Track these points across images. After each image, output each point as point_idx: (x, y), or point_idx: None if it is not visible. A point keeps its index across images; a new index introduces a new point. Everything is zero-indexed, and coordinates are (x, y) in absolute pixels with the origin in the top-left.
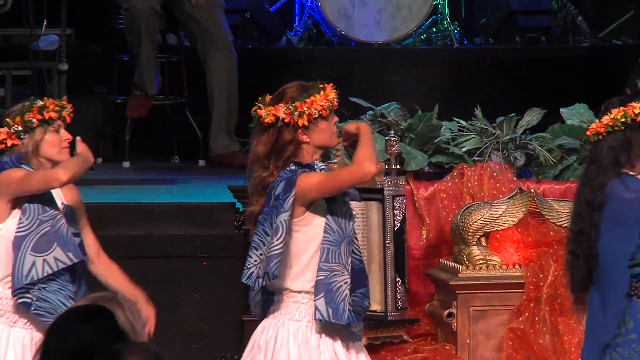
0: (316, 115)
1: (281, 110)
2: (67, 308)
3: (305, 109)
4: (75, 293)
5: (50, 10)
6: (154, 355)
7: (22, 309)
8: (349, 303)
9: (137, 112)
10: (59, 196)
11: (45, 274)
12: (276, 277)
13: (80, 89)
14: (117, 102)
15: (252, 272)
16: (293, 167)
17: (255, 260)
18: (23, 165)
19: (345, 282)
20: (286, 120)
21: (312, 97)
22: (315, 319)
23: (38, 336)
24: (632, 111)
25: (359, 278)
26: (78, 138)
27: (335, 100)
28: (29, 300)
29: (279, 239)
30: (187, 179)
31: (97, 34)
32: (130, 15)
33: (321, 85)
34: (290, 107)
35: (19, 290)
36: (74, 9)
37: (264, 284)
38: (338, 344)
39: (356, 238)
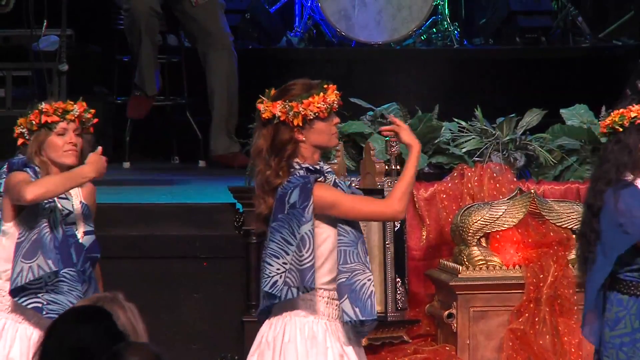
0: (311, 117)
1: (278, 108)
2: (66, 309)
3: (301, 109)
4: (85, 292)
5: (51, 10)
6: (155, 356)
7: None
8: None
9: (137, 112)
10: (78, 195)
11: (27, 281)
12: (313, 289)
13: (80, 90)
14: (117, 102)
15: (277, 281)
16: (302, 172)
17: (278, 269)
18: (27, 168)
19: (369, 279)
20: (282, 119)
21: (310, 98)
22: (344, 322)
23: None
24: (629, 114)
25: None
26: (99, 148)
27: (335, 102)
28: (40, 305)
29: (308, 250)
30: (187, 180)
31: (97, 35)
32: (130, 15)
33: (325, 86)
34: (287, 106)
35: (17, 295)
36: (74, 10)
37: (298, 295)
38: (346, 341)
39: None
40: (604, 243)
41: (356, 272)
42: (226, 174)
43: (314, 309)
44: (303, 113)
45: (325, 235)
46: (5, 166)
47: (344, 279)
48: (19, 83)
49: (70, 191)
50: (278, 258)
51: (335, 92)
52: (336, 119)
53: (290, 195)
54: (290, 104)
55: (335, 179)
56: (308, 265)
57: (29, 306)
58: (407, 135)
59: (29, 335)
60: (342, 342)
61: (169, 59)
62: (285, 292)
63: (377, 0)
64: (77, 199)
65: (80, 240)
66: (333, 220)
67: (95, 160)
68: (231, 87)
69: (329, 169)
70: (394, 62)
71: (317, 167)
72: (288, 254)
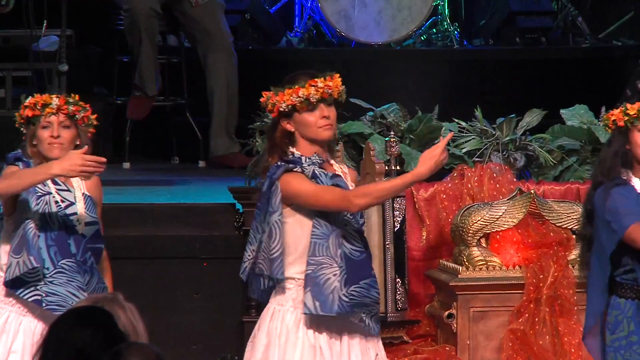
0: (284, 109)
1: (264, 98)
2: (66, 299)
3: (275, 100)
4: (88, 283)
5: (50, 11)
6: (155, 356)
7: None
8: (351, 294)
9: (137, 113)
10: (80, 187)
11: (14, 276)
12: (281, 280)
13: (80, 90)
14: (117, 103)
15: (246, 267)
16: (281, 163)
17: (249, 255)
18: (18, 162)
19: (334, 274)
20: (266, 109)
21: (285, 91)
22: (303, 313)
23: None
24: (611, 117)
25: (360, 269)
26: (84, 147)
27: (314, 96)
28: (40, 297)
29: (275, 240)
30: (187, 180)
31: (97, 35)
32: (130, 16)
33: (324, 77)
34: (267, 96)
35: (17, 288)
36: (74, 10)
37: (269, 285)
38: (322, 332)
39: (355, 230)
40: (598, 244)
41: (323, 265)
42: (226, 174)
43: (291, 298)
44: (277, 105)
45: (301, 225)
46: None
47: (310, 271)
48: (18, 83)
49: (72, 183)
50: (251, 245)
51: (315, 86)
52: (322, 112)
53: (264, 185)
54: (269, 94)
55: (314, 169)
56: (275, 255)
57: (30, 299)
58: (426, 156)
59: (32, 329)
60: (316, 334)
61: (169, 59)
62: (252, 280)
63: (377, 1)
64: (79, 191)
65: (80, 231)
66: (309, 211)
67: (68, 158)
68: (231, 87)
69: (315, 161)
70: (394, 62)
71: (302, 157)
72: (256, 242)
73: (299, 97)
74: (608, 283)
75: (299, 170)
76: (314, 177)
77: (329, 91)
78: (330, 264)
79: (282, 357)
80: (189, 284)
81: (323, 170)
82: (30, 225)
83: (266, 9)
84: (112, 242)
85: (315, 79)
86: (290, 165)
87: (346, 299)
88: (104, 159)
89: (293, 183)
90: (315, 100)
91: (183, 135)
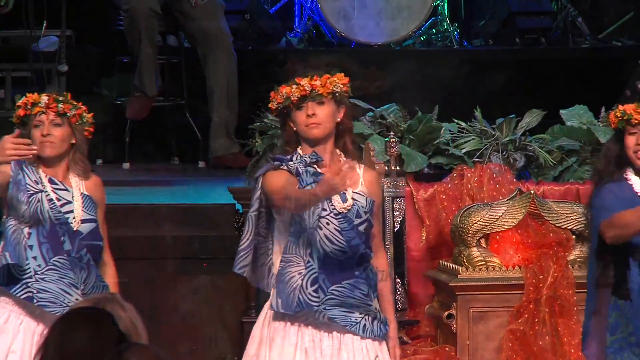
0: (275, 107)
1: None
2: (58, 296)
3: (272, 99)
4: (85, 280)
5: (50, 11)
6: (156, 357)
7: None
8: (332, 293)
9: (137, 113)
10: (79, 186)
11: (1, 273)
12: (243, 275)
13: (80, 91)
14: (117, 103)
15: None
16: (270, 161)
17: None
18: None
19: (299, 273)
20: None
21: (279, 89)
22: (269, 309)
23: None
24: (609, 119)
25: (343, 269)
26: (16, 132)
27: (293, 95)
28: (31, 294)
29: (246, 234)
30: (186, 181)
31: (97, 36)
32: (129, 16)
33: (311, 76)
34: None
35: (8, 286)
36: (74, 10)
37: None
38: (310, 331)
39: (340, 230)
40: (591, 244)
41: (290, 263)
42: (226, 174)
43: None
44: (271, 103)
45: (287, 224)
46: None
47: (280, 268)
48: (18, 84)
49: (71, 182)
50: None
51: (298, 84)
52: (307, 110)
53: None
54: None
55: (298, 167)
56: (240, 248)
57: (22, 296)
58: (324, 178)
59: (32, 329)
60: (301, 333)
61: (168, 59)
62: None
63: (377, 1)
64: (77, 190)
65: (75, 228)
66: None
67: None
68: (231, 87)
69: (304, 159)
70: (393, 62)
71: (294, 155)
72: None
73: (282, 95)
74: (599, 282)
75: (285, 167)
76: (297, 174)
77: (314, 90)
78: (298, 263)
79: (269, 355)
80: (189, 284)
81: (308, 169)
82: (11, 223)
83: (266, 9)
84: (112, 242)
85: (301, 78)
86: (276, 162)
87: (314, 298)
88: (29, 141)
89: (271, 181)
90: (296, 98)
91: (183, 136)
